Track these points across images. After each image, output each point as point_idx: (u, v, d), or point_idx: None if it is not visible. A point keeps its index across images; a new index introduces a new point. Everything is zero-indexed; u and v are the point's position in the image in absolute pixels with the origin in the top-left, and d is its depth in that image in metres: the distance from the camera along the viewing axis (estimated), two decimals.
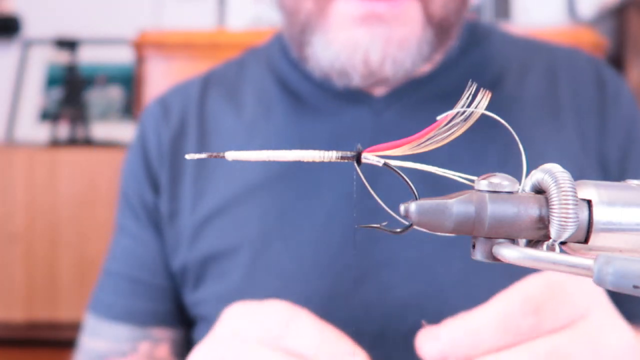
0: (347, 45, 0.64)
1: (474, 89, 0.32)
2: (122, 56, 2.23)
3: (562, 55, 0.78)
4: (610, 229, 0.31)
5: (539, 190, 0.32)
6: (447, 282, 0.66)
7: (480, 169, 0.38)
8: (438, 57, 0.72)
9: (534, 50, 0.78)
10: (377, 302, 0.67)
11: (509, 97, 0.73)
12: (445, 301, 0.66)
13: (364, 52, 0.64)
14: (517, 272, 0.66)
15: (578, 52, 0.79)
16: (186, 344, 0.80)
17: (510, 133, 0.33)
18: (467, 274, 0.66)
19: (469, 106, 0.32)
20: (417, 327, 0.66)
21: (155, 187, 0.77)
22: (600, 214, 0.31)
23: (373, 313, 0.67)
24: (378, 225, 0.35)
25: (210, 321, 0.73)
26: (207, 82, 0.81)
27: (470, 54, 0.75)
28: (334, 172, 0.70)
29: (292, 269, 0.69)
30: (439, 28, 0.67)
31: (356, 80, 0.66)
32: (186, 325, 0.80)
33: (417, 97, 0.71)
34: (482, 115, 0.32)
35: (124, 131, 2.16)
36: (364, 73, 0.65)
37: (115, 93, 2.26)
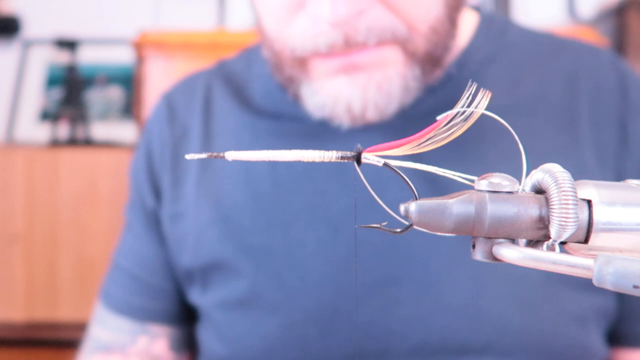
0: (330, 95, 0.65)
1: (474, 89, 0.32)
2: (122, 56, 2.22)
3: (585, 58, 0.73)
4: (610, 229, 0.31)
5: (539, 190, 0.32)
6: (453, 302, 0.65)
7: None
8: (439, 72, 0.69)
9: (556, 50, 0.74)
10: (382, 319, 0.66)
11: (524, 103, 0.70)
12: (450, 321, 0.65)
13: (346, 102, 0.65)
14: (524, 296, 0.65)
15: (602, 53, 0.75)
16: (189, 339, 0.80)
17: (517, 138, 0.33)
18: (473, 295, 0.65)
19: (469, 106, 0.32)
20: (420, 345, 0.66)
21: (156, 191, 0.77)
22: (600, 214, 0.31)
23: (377, 330, 0.66)
24: (378, 225, 0.35)
25: (214, 325, 0.73)
26: (214, 77, 0.80)
27: (484, 54, 0.72)
28: (339, 185, 0.69)
29: (296, 282, 0.68)
30: (426, 62, 0.66)
31: (345, 124, 0.67)
32: (188, 322, 0.80)
33: (424, 109, 0.69)
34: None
35: (124, 131, 2.16)
36: (349, 120, 0.66)
37: (115, 93, 2.26)
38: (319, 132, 0.70)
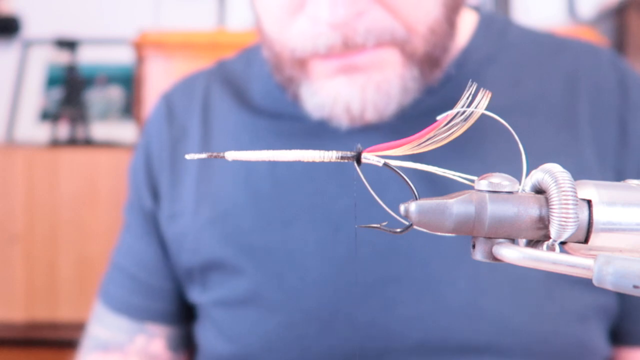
0: (330, 95, 0.65)
1: (474, 89, 0.32)
2: (122, 56, 2.22)
3: (585, 57, 0.73)
4: (610, 229, 0.31)
5: (539, 190, 0.32)
6: (453, 302, 0.65)
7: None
8: (439, 73, 0.69)
9: (556, 50, 0.74)
10: (382, 318, 0.67)
11: (525, 103, 0.70)
12: (450, 321, 0.65)
13: (345, 102, 0.65)
14: (525, 296, 0.65)
15: (602, 52, 0.75)
16: (186, 339, 0.80)
17: (516, 137, 0.33)
18: (474, 295, 0.65)
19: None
20: (420, 345, 0.66)
21: (154, 192, 0.77)
22: (600, 214, 0.31)
23: (377, 329, 0.66)
24: (378, 225, 0.35)
25: (215, 323, 0.73)
26: (213, 78, 0.80)
27: (484, 53, 0.72)
28: (339, 185, 0.69)
29: (295, 282, 0.68)
30: (425, 63, 0.66)
31: (344, 125, 0.67)
32: (186, 322, 0.80)
33: (423, 109, 0.69)
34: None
35: (124, 131, 2.16)
36: (348, 120, 0.66)
37: (115, 93, 2.26)
38: (319, 132, 0.70)
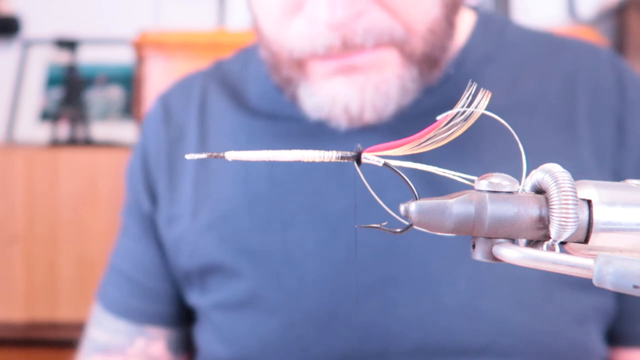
0: (328, 96, 0.65)
1: (474, 89, 0.32)
2: (122, 56, 2.22)
3: (584, 57, 0.73)
4: (610, 229, 0.31)
5: (539, 190, 0.32)
6: (452, 303, 0.65)
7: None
8: (438, 73, 0.69)
9: (555, 50, 0.74)
10: (381, 319, 0.66)
11: (523, 103, 0.70)
12: (449, 322, 0.65)
13: (344, 103, 0.65)
14: (524, 297, 0.65)
15: (601, 52, 0.74)
16: (186, 340, 0.80)
17: (516, 137, 0.33)
18: (473, 296, 0.65)
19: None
20: (419, 346, 0.66)
21: (152, 195, 0.77)
22: (600, 214, 0.31)
23: (376, 330, 0.66)
24: (378, 225, 0.35)
25: (214, 326, 0.73)
26: (210, 78, 0.80)
27: (482, 53, 0.72)
28: (338, 185, 0.69)
29: (294, 283, 0.68)
30: (424, 63, 0.66)
31: (343, 126, 0.67)
32: (186, 324, 0.80)
33: (422, 109, 0.69)
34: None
35: (124, 131, 2.16)
36: (347, 121, 0.66)
37: (115, 93, 2.26)
38: (317, 132, 0.70)
